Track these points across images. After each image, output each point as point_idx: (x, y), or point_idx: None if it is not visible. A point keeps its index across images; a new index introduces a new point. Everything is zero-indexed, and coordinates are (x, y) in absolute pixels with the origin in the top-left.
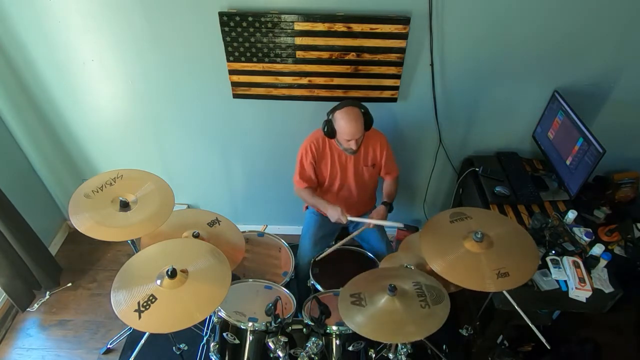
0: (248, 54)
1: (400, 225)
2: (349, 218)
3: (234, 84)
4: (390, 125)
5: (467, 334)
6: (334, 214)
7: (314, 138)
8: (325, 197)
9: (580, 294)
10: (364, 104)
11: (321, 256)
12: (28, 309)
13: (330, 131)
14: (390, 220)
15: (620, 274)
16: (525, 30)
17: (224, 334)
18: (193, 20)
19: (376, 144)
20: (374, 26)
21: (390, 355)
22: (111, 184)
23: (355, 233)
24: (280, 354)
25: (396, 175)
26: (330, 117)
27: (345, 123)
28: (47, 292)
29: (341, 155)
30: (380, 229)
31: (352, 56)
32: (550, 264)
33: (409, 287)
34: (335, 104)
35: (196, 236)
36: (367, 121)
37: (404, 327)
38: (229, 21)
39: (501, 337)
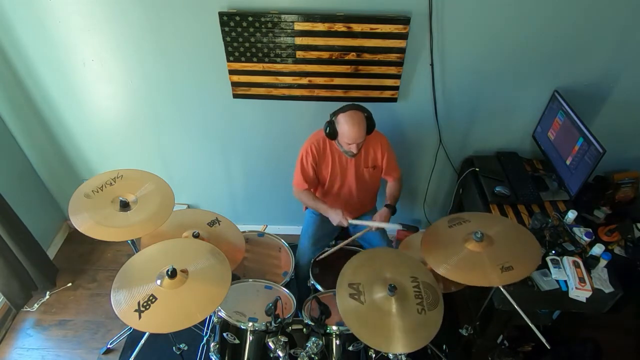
0: (248, 54)
1: (399, 226)
2: (350, 221)
3: (234, 84)
4: (390, 125)
5: (467, 334)
6: (335, 217)
7: (315, 139)
8: (326, 198)
9: (580, 294)
10: (365, 105)
11: (322, 256)
12: (28, 309)
13: (332, 132)
14: (391, 220)
15: (620, 274)
16: (526, 30)
17: (224, 334)
18: (193, 20)
19: (377, 146)
20: (374, 26)
21: (390, 356)
22: (111, 184)
23: (357, 235)
24: (280, 354)
25: (398, 177)
26: (333, 118)
27: (348, 127)
28: (47, 292)
29: (342, 156)
30: (381, 228)
31: (352, 56)
32: (550, 264)
33: (408, 286)
34: (335, 104)
35: (196, 236)
36: (369, 125)
37: (395, 334)
38: (229, 21)
39: (501, 337)
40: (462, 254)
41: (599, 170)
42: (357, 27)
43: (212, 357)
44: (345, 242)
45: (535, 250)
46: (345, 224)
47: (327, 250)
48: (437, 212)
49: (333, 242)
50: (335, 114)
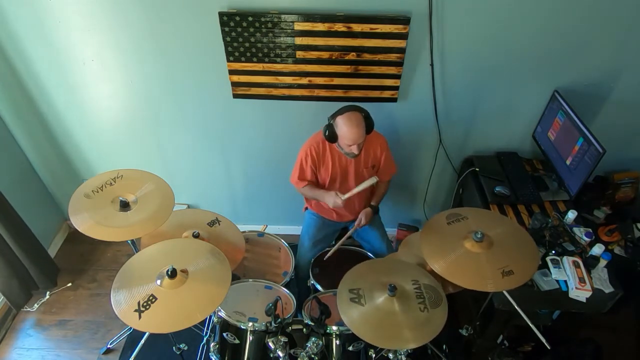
0: (248, 54)
1: (374, 180)
2: (342, 197)
3: (234, 84)
4: (390, 126)
5: (467, 334)
6: (330, 199)
7: (315, 141)
8: None
9: (580, 294)
10: (364, 106)
11: (328, 255)
12: (28, 309)
13: (331, 135)
14: (387, 222)
15: (620, 274)
16: (526, 30)
17: (224, 334)
18: (193, 20)
19: (377, 146)
20: (374, 26)
21: (390, 355)
22: (111, 184)
23: (350, 232)
24: (280, 354)
25: (391, 177)
26: (331, 121)
27: (347, 129)
28: (47, 292)
29: (342, 158)
30: (381, 230)
31: (352, 56)
32: (550, 264)
33: (409, 287)
34: (335, 104)
35: (196, 236)
36: (368, 125)
37: (401, 332)
38: (229, 21)
39: (501, 337)
40: (460, 253)
41: (599, 170)
42: (357, 27)
43: (212, 357)
44: (343, 238)
45: (532, 253)
46: (340, 203)
47: (328, 251)
48: (437, 212)
49: (333, 243)
50: (333, 116)
